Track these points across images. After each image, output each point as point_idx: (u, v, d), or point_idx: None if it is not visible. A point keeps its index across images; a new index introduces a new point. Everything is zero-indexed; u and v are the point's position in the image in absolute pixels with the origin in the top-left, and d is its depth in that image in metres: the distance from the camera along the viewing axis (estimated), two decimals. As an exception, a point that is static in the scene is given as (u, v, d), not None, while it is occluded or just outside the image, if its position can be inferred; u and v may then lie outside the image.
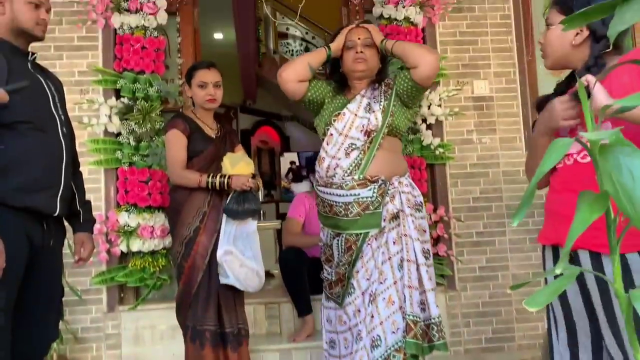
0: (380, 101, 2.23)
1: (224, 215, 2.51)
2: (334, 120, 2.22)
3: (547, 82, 3.57)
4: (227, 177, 2.48)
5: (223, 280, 2.49)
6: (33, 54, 1.90)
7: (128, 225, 2.98)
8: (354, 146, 2.17)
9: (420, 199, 2.22)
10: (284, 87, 2.28)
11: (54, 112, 1.89)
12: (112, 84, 3.06)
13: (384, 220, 2.11)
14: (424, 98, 3.13)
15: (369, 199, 2.12)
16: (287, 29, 8.00)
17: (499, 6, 3.45)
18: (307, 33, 7.70)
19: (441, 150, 3.25)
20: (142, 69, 3.06)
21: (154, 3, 3.08)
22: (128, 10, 3.07)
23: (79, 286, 3.00)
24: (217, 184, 2.48)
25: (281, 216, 6.23)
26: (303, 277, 3.04)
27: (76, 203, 2.03)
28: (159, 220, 3.02)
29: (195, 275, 2.48)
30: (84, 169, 2.99)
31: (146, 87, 3.03)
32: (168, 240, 3.00)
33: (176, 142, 2.55)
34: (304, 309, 3.05)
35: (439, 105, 3.28)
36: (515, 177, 3.34)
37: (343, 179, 2.16)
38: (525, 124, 3.36)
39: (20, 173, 1.72)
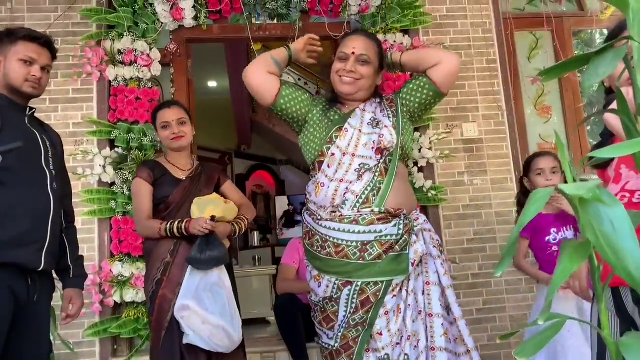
0: (389, 116, 1.92)
1: (189, 266, 2.28)
2: (336, 137, 1.89)
3: (534, 124, 3.64)
4: (184, 222, 2.27)
5: (185, 339, 2.21)
6: (31, 109, 1.93)
7: (122, 275, 2.96)
8: (366, 167, 1.84)
9: (438, 239, 1.93)
10: (250, 84, 1.97)
11: (45, 167, 1.89)
12: (106, 134, 3.10)
13: (412, 264, 1.75)
14: (414, 142, 3.15)
15: (394, 237, 1.76)
16: (281, 75, 8.18)
17: (485, 51, 3.54)
18: (299, 79, 7.84)
19: (434, 192, 3.27)
20: (136, 119, 3.10)
21: (148, 55, 3.15)
22: (122, 63, 3.14)
23: (71, 339, 2.95)
24: (175, 230, 2.28)
25: (277, 261, 6.19)
26: (298, 324, 3.01)
27: (67, 258, 2.01)
28: (153, 269, 3.00)
29: (158, 332, 2.26)
30: (78, 220, 3.01)
31: (140, 137, 3.06)
32: (162, 290, 2.98)
33: (139, 192, 2.44)
34: (300, 357, 3.00)
35: (430, 148, 3.32)
36: (508, 218, 3.35)
37: (358, 210, 1.79)
38: (516, 165, 3.40)
39: (4, 228, 1.72)
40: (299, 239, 3.22)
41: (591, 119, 4.32)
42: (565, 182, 2.48)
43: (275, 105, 1.97)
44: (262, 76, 1.96)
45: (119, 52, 3.14)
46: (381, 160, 1.85)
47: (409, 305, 1.74)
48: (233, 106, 6.64)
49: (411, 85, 1.96)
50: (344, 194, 1.82)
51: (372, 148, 1.85)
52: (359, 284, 1.75)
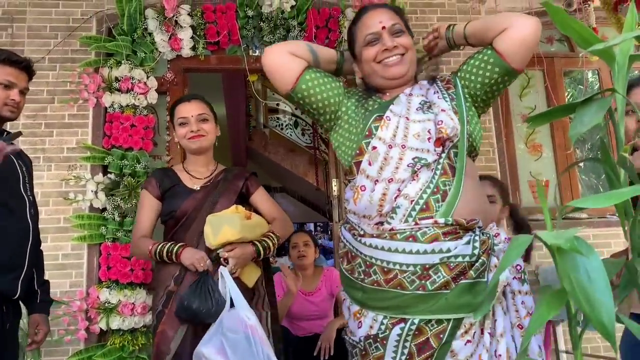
0: (445, 98, 1.48)
1: None
2: (375, 127, 1.45)
3: (525, 161, 3.68)
4: (177, 246, 1.92)
5: None
6: (8, 132, 1.90)
7: (109, 302, 2.93)
8: (422, 161, 1.37)
9: (522, 264, 1.44)
10: (268, 64, 1.56)
11: (23, 193, 1.89)
12: (100, 160, 3.10)
13: (495, 296, 1.30)
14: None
15: (467, 258, 1.31)
16: (277, 104, 8.24)
17: (477, 88, 3.59)
18: (296, 108, 7.92)
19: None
20: (130, 145, 3.11)
21: (145, 83, 3.18)
22: (119, 90, 3.17)
23: (54, 366, 2.91)
24: (165, 255, 1.93)
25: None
26: (288, 357, 2.97)
27: (34, 283, 1.96)
28: (140, 297, 2.97)
29: None
30: (67, 245, 3.02)
31: (133, 163, 3.07)
32: (148, 318, 2.94)
33: (140, 205, 2.14)
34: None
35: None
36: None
37: (416, 222, 1.33)
38: (505, 201, 3.41)
39: None
40: (280, 273, 3.08)
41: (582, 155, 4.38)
42: (511, 214, 2.39)
43: (295, 91, 1.55)
44: (282, 57, 1.55)
45: (116, 79, 3.17)
46: (443, 155, 1.39)
47: (500, 355, 1.27)
48: (229, 133, 6.68)
49: (472, 61, 1.51)
50: (395, 197, 1.36)
51: (429, 139, 1.39)
52: (416, 321, 1.30)
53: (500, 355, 1.28)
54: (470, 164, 1.45)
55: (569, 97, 4.12)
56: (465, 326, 1.29)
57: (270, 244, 2.04)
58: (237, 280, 1.93)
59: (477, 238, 1.33)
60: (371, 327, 1.38)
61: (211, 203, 2.07)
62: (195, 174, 2.15)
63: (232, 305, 1.83)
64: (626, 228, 0.88)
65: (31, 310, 1.99)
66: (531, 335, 0.69)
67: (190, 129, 2.10)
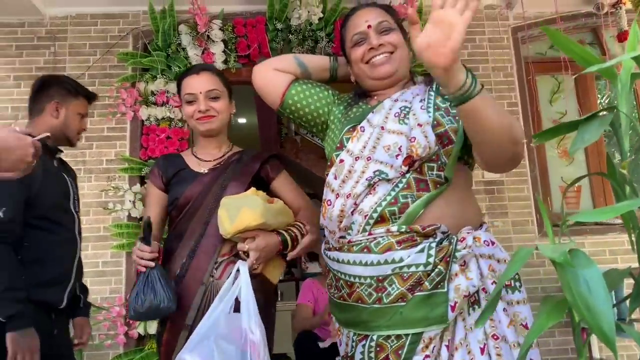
0: (430, 108, 1.35)
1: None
2: (347, 139, 1.40)
3: (556, 167, 3.65)
4: (139, 239, 1.61)
5: None
6: (61, 151, 2.09)
7: (146, 308, 3.05)
8: (381, 175, 1.30)
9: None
10: (255, 84, 1.58)
11: (73, 210, 2.04)
12: (137, 171, 3.23)
13: (452, 308, 1.18)
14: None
15: (422, 267, 1.21)
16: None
17: (506, 94, 3.59)
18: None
19: (454, 233, 3.29)
20: (166, 157, 3.24)
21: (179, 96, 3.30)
22: (155, 104, 3.29)
23: (95, 369, 3.04)
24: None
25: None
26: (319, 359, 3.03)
27: (77, 290, 2.08)
28: (177, 303, 3.08)
29: None
30: (107, 253, 3.15)
31: (169, 174, 3.19)
32: (184, 323, 3.03)
33: (146, 198, 1.89)
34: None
35: (451, 190, 3.35)
36: (529, 261, 3.34)
37: (370, 232, 1.27)
38: (537, 208, 3.40)
39: (44, 270, 1.84)
40: (313, 278, 3.19)
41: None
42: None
43: (283, 107, 1.54)
44: (267, 74, 1.56)
45: (152, 93, 3.30)
46: (408, 174, 1.30)
47: None
48: (260, 141, 6.80)
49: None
50: (351, 212, 1.31)
51: (397, 155, 1.31)
52: (374, 337, 1.24)
53: None
54: (460, 172, 1.35)
55: (603, 99, 4.06)
56: (424, 341, 1.19)
57: (299, 235, 1.70)
58: (259, 279, 1.65)
59: (432, 245, 1.22)
60: (347, 344, 1.34)
61: (220, 187, 1.74)
62: (205, 157, 1.83)
63: (236, 309, 1.52)
64: (633, 238, 0.91)
65: (75, 314, 2.12)
66: (529, 344, 0.73)
67: (199, 108, 1.76)
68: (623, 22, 3.55)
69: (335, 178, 1.37)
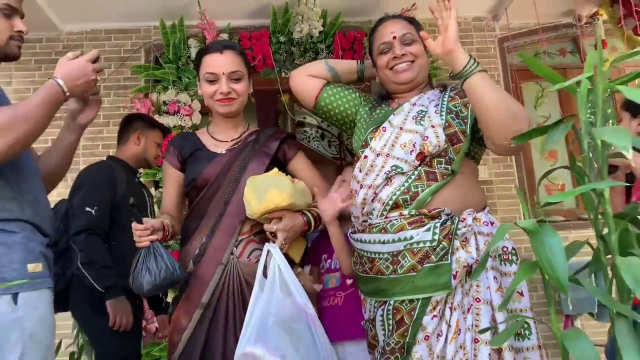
0: (443, 111, 1.58)
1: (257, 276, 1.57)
2: (370, 139, 1.63)
3: (542, 167, 3.92)
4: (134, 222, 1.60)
5: None
6: (140, 173, 2.58)
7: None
8: (397, 169, 1.54)
9: (510, 245, 1.48)
10: (292, 86, 1.80)
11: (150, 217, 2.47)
12: (152, 176, 3.46)
13: (454, 276, 1.42)
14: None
15: (429, 243, 1.45)
16: (304, 118, 8.58)
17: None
18: (322, 121, 8.25)
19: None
20: (178, 162, 3.47)
21: (190, 106, 3.54)
22: (167, 113, 3.53)
23: None
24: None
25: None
26: None
27: None
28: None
29: None
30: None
31: (182, 178, 3.42)
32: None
33: (163, 177, 1.89)
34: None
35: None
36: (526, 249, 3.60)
37: (386, 216, 1.52)
38: (523, 205, 3.66)
39: (124, 264, 2.03)
40: None
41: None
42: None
43: (316, 108, 1.78)
44: (301, 79, 1.79)
45: (164, 103, 3.54)
46: (419, 167, 1.53)
47: (450, 325, 1.40)
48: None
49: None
50: (371, 200, 1.55)
51: (412, 151, 1.54)
52: (392, 302, 1.49)
53: (450, 325, 1.41)
54: (466, 165, 1.58)
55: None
56: (432, 304, 1.44)
57: (317, 217, 1.77)
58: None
59: (437, 225, 1.46)
60: (369, 310, 1.60)
61: (239, 168, 1.75)
62: (221, 137, 1.83)
63: (282, 290, 1.54)
64: (592, 216, 1.16)
65: (157, 312, 2.63)
66: (513, 290, 0.97)
67: (220, 89, 1.74)
68: (601, 32, 3.84)
69: (360, 171, 1.62)
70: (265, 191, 1.62)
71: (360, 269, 1.61)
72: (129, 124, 2.64)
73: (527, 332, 1.39)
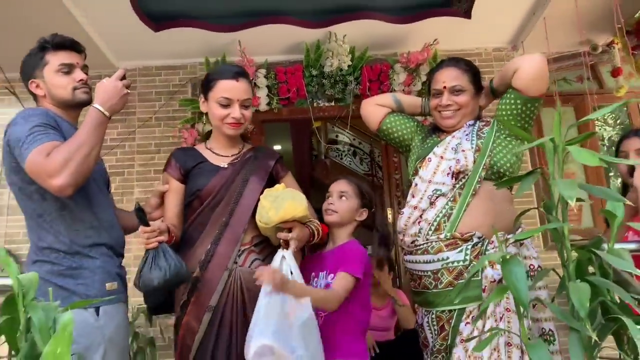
0: (473, 139, 1.88)
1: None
2: (419, 168, 1.93)
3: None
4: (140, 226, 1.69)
5: None
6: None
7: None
8: (438, 192, 1.83)
9: (537, 263, 1.72)
10: (361, 112, 2.17)
11: None
12: (197, 198, 3.83)
13: (484, 290, 1.66)
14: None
15: (462, 263, 1.73)
16: (337, 136, 8.91)
17: (513, 126, 4.09)
18: (354, 139, 8.57)
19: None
20: (221, 186, 3.82)
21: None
22: (211, 141, 3.90)
23: None
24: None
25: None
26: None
27: None
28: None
29: None
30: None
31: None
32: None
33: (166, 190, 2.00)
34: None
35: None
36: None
37: (427, 239, 1.80)
38: (542, 224, 3.87)
39: None
40: None
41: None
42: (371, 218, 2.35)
43: (379, 130, 2.11)
44: (369, 108, 2.13)
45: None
46: (457, 185, 1.81)
47: (484, 332, 1.60)
48: (295, 165, 7.43)
49: (502, 101, 1.92)
50: (417, 221, 1.83)
51: (448, 174, 1.83)
52: (434, 312, 1.78)
53: (484, 331, 1.60)
54: (488, 187, 1.78)
55: (600, 128, 4.50)
56: (467, 313, 1.71)
57: (315, 230, 1.93)
58: None
59: (468, 247, 1.74)
60: (420, 317, 1.91)
61: (242, 181, 1.91)
62: (222, 152, 2.00)
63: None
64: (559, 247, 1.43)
65: None
66: (488, 306, 1.27)
67: (233, 114, 1.89)
68: (617, 60, 4.04)
69: (413, 197, 1.90)
70: (283, 202, 1.79)
71: (413, 284, 1.92)
72: None
73: (551, 338, 1.66)
